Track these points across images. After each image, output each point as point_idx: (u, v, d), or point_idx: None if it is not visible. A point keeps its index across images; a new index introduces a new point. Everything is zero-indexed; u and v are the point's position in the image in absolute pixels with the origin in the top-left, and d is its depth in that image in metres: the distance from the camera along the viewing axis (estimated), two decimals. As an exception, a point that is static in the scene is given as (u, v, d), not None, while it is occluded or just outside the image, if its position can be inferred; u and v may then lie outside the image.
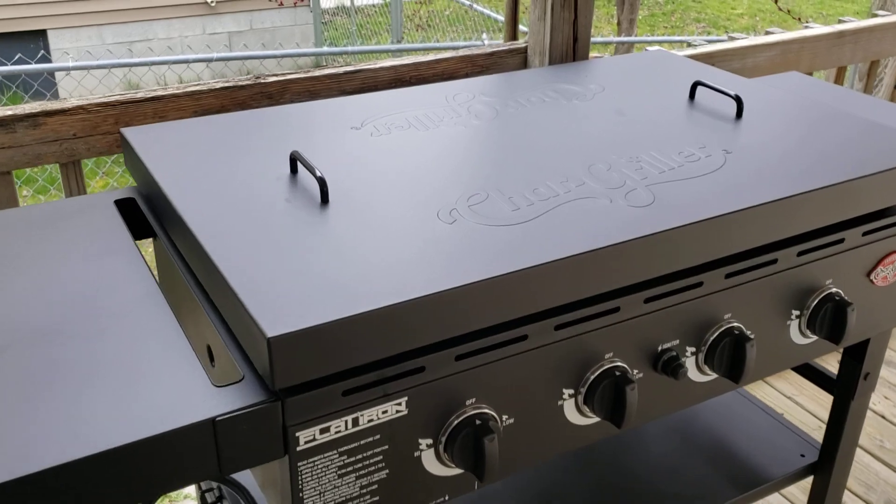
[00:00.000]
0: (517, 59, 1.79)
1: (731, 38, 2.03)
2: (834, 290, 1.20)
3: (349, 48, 7.02)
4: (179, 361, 0.86)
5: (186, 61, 6.00)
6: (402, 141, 1.22)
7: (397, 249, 0.93)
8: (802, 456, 1.50)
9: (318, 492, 0.89)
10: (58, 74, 7.29)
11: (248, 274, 0.88)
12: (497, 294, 0.90)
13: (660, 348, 1.08)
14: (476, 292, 0.88)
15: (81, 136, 1.43)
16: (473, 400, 0.95)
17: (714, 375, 1.14)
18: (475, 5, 8.18)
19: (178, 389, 0.82)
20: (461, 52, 1.74)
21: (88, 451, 0.75)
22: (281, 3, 8.22)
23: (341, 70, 1.63)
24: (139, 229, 1.19)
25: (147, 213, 1.17)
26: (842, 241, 1.18)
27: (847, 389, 1.39)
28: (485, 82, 1.49)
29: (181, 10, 8.02)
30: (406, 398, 0.90)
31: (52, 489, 0.74)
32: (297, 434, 0.84)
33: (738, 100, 1.32)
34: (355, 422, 0.88)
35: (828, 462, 1.46)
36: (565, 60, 1.73)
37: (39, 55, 6.85)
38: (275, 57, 6.86)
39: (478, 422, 0.94)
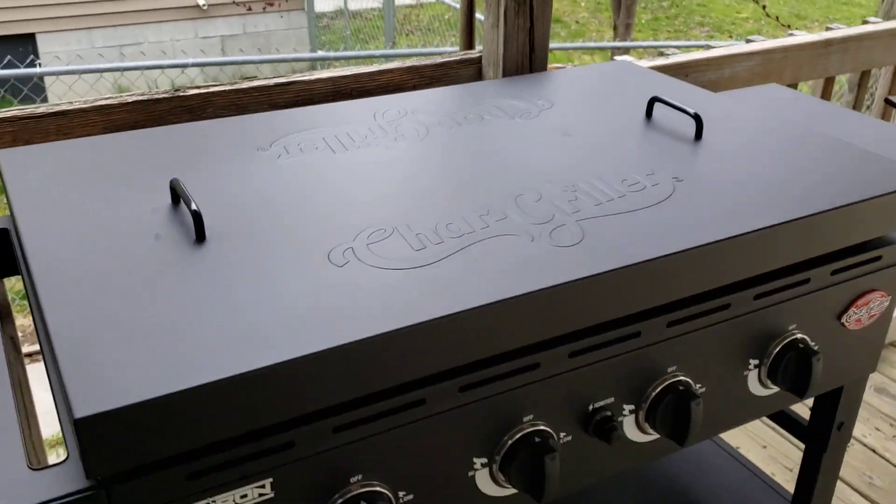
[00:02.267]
0: (471, 70, 1.65)
1: (709, 47, 1.89)
2: (799, 335, 1.06)
3: (341, 53, 6.90)
4: (-6, 437, 0.72)
5: (184, 65, 5.86)
6: (310, 165, 1.08)
7: (268, 301, 0.79)
8: (774, 512, 1.36)
9: (164, 591, 0.75)
10: (47, 79, 7.18)
11: (78, 331, 0.74)
12: (383, 355, 0.76)
13: (591, 407, 0.94)
14: (355, 354, 0.74)
15: (-27, 156, 1.30)
16: (360, 477, 0.81)
17: (656, 435, 1.00)
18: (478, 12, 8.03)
19: (-19, 475, 0.68)
20: (408, 63, 1.60)
21: None
22: (269, 5, 8.09)
23: (272, 82, 1.49)
24: (9, 264, 1.06)
25: (16, 247, 1.03)
26: (807, 281, 1.04)
27: (819, 440, 1.25)
28: (422, 97, 1.35)
29: (172, 13, 7.91)
30: (271, 479, 0.76)
31: None
32: (129, 528, 0.70)
33: (697, 118, 1.18)
34: (206, 510, 0.74)
35: (802, 519, 1.31)
36: (521, 72, 1.58)
37: (28, 59, 6.74)
38: (267, 62, 6.75)
39: (359, 496, 0.80)
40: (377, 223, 0.93)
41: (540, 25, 1.56)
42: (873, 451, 2.18)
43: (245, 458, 0.74)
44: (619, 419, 0.97)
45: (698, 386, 1.01)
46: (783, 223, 0.96)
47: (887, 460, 2.15)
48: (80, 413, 0.64)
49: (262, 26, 8.45)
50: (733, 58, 1.81)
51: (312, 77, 1.52)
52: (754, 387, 1.07)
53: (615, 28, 6.11)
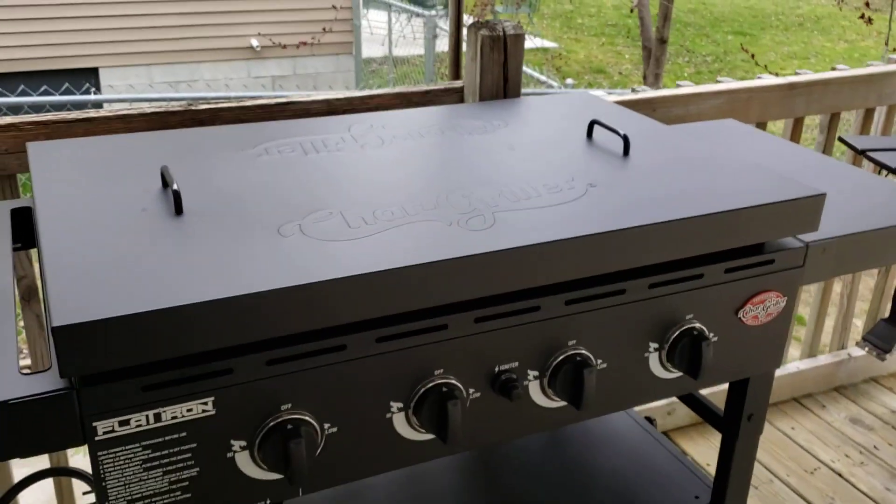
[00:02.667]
0: (453, 98, 1.85)
1: (678, 86, 2.06)
2: (696, 325, 1.21)
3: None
4: (-3, 349, 0.92)
5: (226, 98, 6.21)
6: (283, 163, 1.28)
7: (226, 255, 0.98)
8: (697, 498, 1.49)
9: (121, 483, 0.93)
10: (105, 107, 7.62)
11: (68, 263, 0.94)
12: (313, 301, 0.94)
13: (497, 369, 1.10)
14: (289, 297, 0.92)
15: (13, 152, 1.53)
16: (290, 405, 0.99)
17: (560, 402, 1.16)
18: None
19: (-17, 373, 0.88)
20: (398, 89, 1.81)
21: None
22: (311, 42, 8.43)
23: (273, 101, 1.70)
24: (31, 237, 1.27)
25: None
26: (701, 276, 1.19)
27: (732, 429, 1.38)
28: (394, 115, 1.54)
29: (227, 53, 8.34)
30: (213, 398, 0.94)
31: None
32: (94, 424, 0.89)
33: (625, 138, 1.35)
34: (157, 417, 0.92)
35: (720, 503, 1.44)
36: (496, 99, 1.78)
37: (84, 87, 7.16)
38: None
39: (289, 426, 0.98)
40: (325, 207, 1.12)
41: (513, 59, 1.76)
42: (839, 474, 2.28)
43: (192, 377, 0.92)
44: (525, 383, 1.13)
45: (599, 361, 1.17)
46: (674, 220, 1.12)
47: (852, 484, 2.24)
48: (57, 322, 0.83)
49: (311, 68, 8.84)
50: (700, 96, 1.98)
51: (310, 98, 1.73)
52: (656, 369, 1.22)
53: (644, 78, 6.30)
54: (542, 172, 1.27)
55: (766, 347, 1.30)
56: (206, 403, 0.94)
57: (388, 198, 1.16)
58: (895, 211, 1.41)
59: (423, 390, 1.05)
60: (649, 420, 1.70)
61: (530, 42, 9.47)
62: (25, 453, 0.88)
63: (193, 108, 1.64)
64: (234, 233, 1.04)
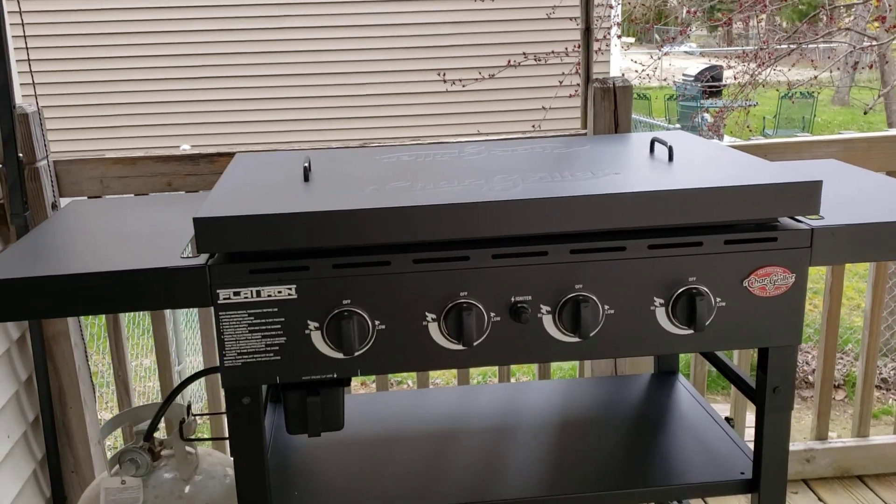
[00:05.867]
0: (579, 143, 2.20)
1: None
2: (701, 287, 1.44)
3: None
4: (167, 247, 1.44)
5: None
6: (397, 163, 1.72)
7: (316, 196, 1.43)
8: (742, 474, 1.63)
9: (234, 338, 1.38)
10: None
11: (220, 193, 1.44)
12: (365, 223, 1.35)
13: (513, 299, 1.42)
14: (348, 217, 1.35)
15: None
16: (349, 301, 1.39)
17: (573, 337, 1.43)
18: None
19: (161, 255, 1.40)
20: (530, 134, 2.21)
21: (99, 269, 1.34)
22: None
23: (423, 142, 2.18)
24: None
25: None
26: (700, 244, 1.43)
27: (762, 401, 1.54)
28: (499, 142, 1.94)
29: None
30: (295, 286, 1.38)
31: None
32: (217, 291, 1.36)
33: (669, 148, 1.64)
34: (258, 293, 1.37)
35: (757, 479, 1.58)
36: (611, 141, 2.10)
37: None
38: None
39: (346, 314, 1.38)
40: (407, 180, 1.54)
41: (622, 107, 2.09)
42: None
43: (281, 269, 1.36)
44: (539, 315, 1.43)
45: (607, 307, 1.44)
46: (669, 190, 1.39)
47: None
48: (197, 215, 1.32)
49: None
50: (814, 144, 2.15)
51: (454, 141, 2.18)
52: (665, 323, 1.46)
53: None
54: (591, 168, 1.59)
55: (781, 320, 1.47)
56: (290, 289, 1.38)
57: (456, 173, 1.55)
58: (933, 214, 1.52)
59: (450, 305, 1.41)
60: (728, 420, 1.85)
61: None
62: (178, 305, 1.37)
63: (367, 146, 2.16)
64: (333, 189, 1.49)
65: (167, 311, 4.14)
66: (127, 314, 3.63)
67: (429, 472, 1.72)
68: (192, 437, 1.77)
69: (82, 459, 2.30)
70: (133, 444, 1.73)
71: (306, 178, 1.57)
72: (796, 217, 1.47)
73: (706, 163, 1.60)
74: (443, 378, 4.78)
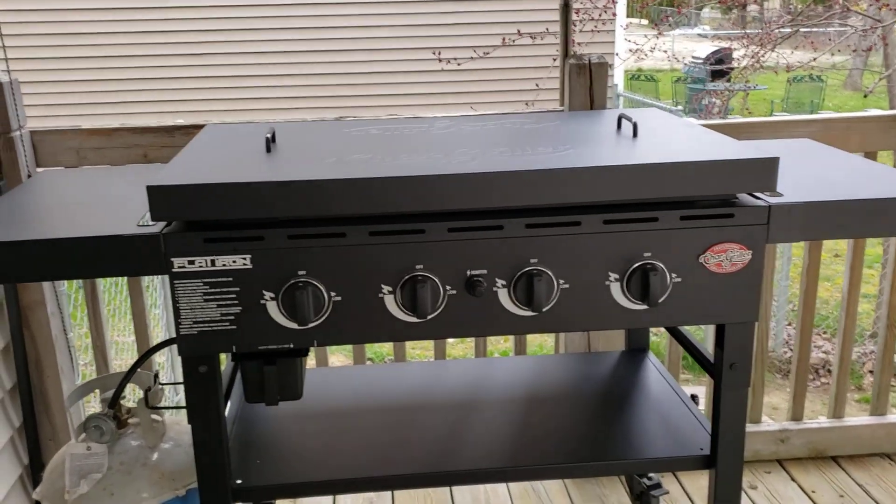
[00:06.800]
0: (555, 119, 2.19)
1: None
2: (656, 263, 1.44)
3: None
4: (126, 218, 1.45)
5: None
6: (364, 136, 1.72)
7: (274, 166, 1.44)
8: (702, 449, 1.64)
9: (189, 307, 1.39)
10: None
11: (180, 163, 1.45)
12: (321, 194, 1.36)
13: (469, 273, 1.43)
14: (303, 188, 1.35)
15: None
16: (305, 272, 1.40)
17: (527, 311, 1.44)
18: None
19: (122, 224, 1.41)
20: (507, 111, 2.20)
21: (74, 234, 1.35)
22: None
23: (402, 116, 2.18)
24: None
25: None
26: (655, 219, 1.43)
27: (719, 376, 1.55)
28: (472, 117, 1.94)
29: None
30: (250, 256, 1.38)
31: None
32: (171, 259, 1.37)
33: (634, 124, 1.63)
34: (212, 263, 1.38)
35: (714, 455, 1.59)
36: (586, 118, 2.10)
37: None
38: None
39: (301, 284, 1.39)
40: (369, 153, 1.54)
41: (597, 84, 2.08)
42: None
43: (236, 238, 1.37)
44: (494, 289, 1.44)
45: (562, 282, 1.44)
46: (626, 165, 1.39)
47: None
48: (151, 183, 1.33)
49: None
50: (791, 123, 2.14)
51: (434, 115, 2.18)
52: (619, 298, 1.46)
53: None
54: (555, 142, 1.58)
55: (737, 297, 1.48)
56: (245, 259, 1.38)
57: (416, 146, 1.55)
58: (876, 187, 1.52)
59: (406, 277, 1.41)
60: (693, 398, 1.85)
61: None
62: (134, 273, 1.38)
63: (342, 119, 2.16)
64: (293, 161, 1.50)
65: (158, 286, 4.16)
66: (111, 286, 3.66)
67: (393, 442, 1.74)
68: (158, 405, 1.79)
69: (59, 427, 2.32)
70: (99, 412, 1.75)
71: (268, 150, 1.57)
72: (756, 195, 1.47)
73: (669, 139, 1.60)
74: (421, 355, 4.81)
